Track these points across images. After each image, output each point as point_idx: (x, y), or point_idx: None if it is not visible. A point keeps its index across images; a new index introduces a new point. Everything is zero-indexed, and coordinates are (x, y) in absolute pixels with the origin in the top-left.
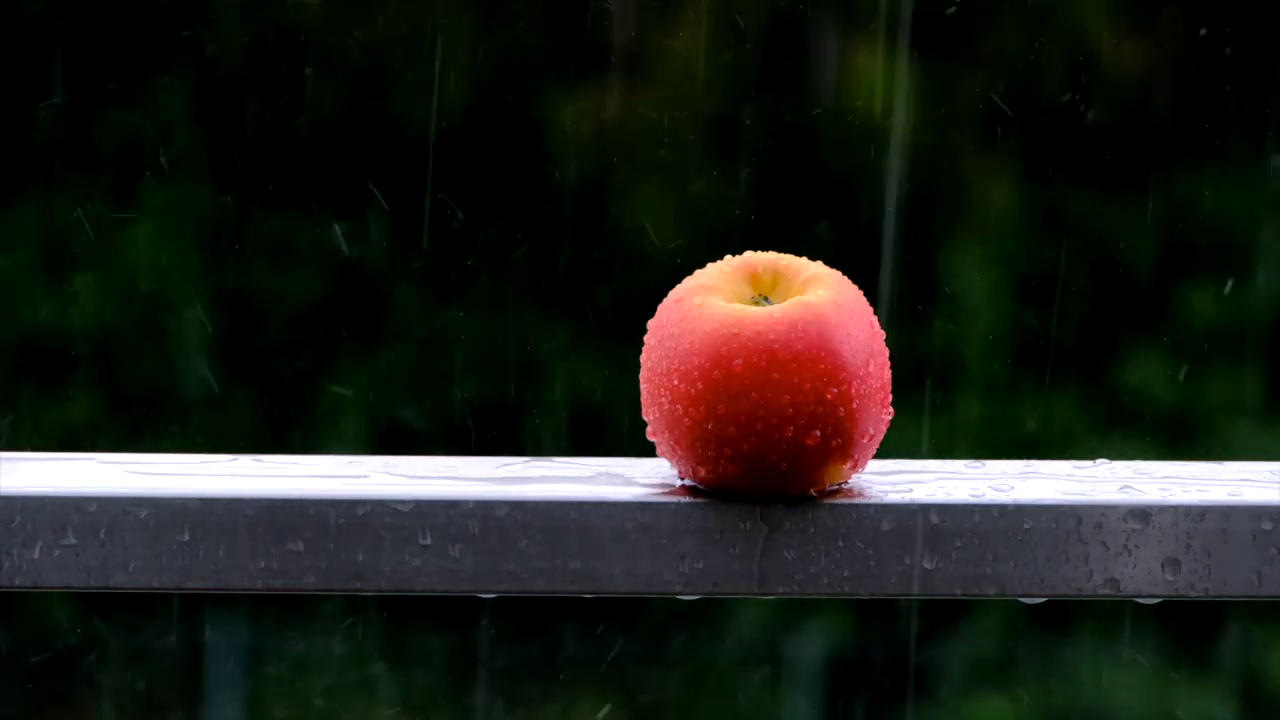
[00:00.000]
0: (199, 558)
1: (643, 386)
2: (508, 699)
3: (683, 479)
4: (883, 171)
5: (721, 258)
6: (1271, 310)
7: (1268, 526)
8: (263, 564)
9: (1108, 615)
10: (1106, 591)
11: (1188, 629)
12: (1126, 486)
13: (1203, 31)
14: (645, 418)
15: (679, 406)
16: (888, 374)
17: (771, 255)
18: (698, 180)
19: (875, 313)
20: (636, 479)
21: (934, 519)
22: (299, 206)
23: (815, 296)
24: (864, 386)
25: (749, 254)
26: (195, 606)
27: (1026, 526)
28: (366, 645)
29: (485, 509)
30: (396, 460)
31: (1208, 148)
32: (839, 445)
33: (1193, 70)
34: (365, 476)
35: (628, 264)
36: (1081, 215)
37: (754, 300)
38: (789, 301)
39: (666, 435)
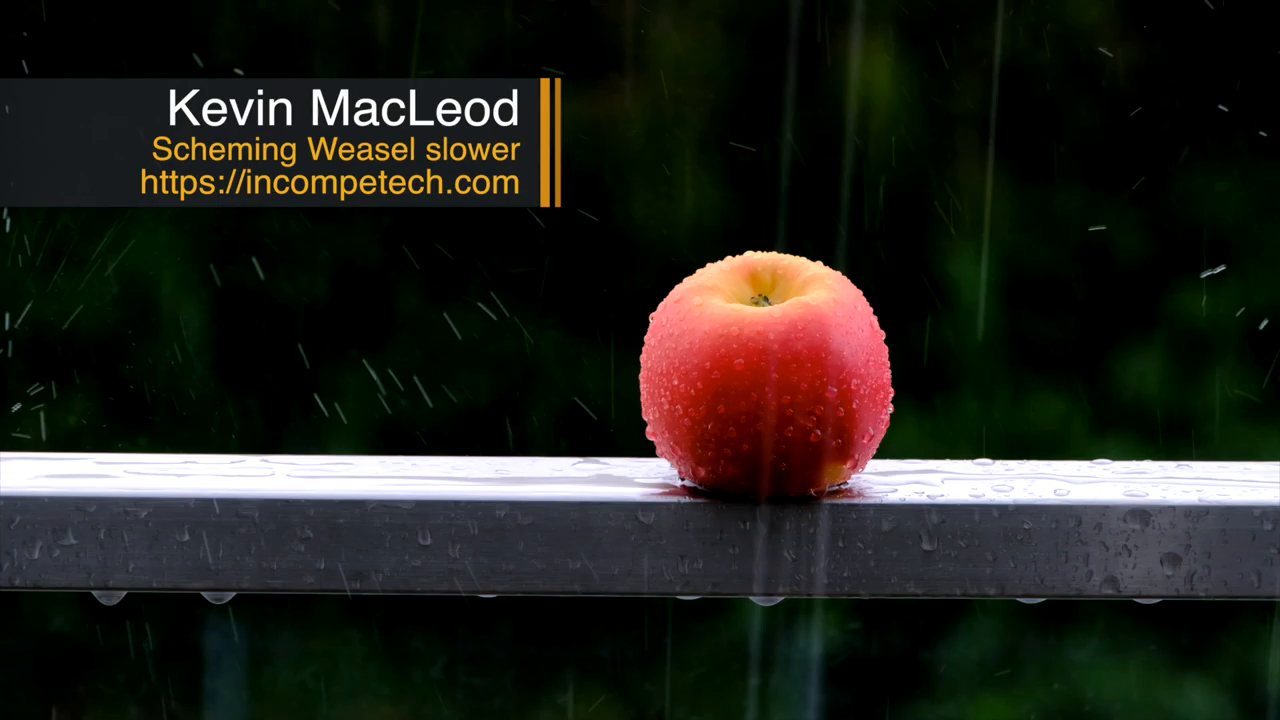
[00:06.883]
0: (199, 558)
1: (643, 386)
2: (507, 698)
3: (683, 479)
4: (882, 170)
5: (722, 258)
6: (1270, 309)
7: (1268, 527)
8: (263, 564)
9: (1108, 615)
10: (1106, 591)
11: (1188, 629)
12: (1126, 487)
13: (1202, 29)
14: (645, 418)
15: (679, 406)
16: (887, 374)
17: (771, 255)
18: (698, 180)
19: (874, 313)
20: (636, 479)
21: (934, 519)
22: (299, 206)
23: (815, 296)
24: (864, 386)
25: (749, 254)
26: (194, 607)
27: (1026, 526)
28: (366, 645)
29: (485, 509)
30: (396, 460)
31: (1206, 146)
32: (839, 445)
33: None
34: (365, 476)
35: (628, 264)
36: (1078, 214)
37: (754, 300)
38: (789, 301)
39: (666, 435)
